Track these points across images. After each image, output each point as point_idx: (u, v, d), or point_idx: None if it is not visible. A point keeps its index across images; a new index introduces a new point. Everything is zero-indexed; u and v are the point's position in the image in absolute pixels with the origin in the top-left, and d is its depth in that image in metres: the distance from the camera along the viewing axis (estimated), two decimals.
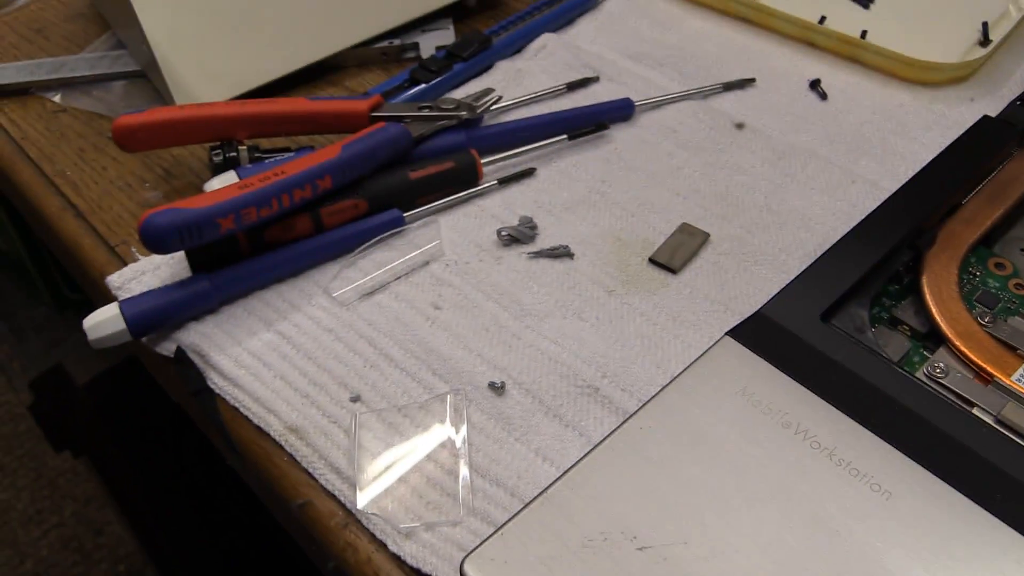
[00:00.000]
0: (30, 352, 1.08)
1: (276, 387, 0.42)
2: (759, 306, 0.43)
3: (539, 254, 0.48)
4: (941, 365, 0.41)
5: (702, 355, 0.41)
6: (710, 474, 0.36)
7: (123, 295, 0.47)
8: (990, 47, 0.59)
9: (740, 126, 0.56)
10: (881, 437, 0.36)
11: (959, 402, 0.39)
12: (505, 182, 0.52)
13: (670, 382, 0.40)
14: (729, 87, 0.59)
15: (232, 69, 0.58)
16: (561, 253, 0.48)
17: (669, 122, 0.56)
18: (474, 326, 0.45)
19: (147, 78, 0.61)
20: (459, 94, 0.59)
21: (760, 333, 0.41)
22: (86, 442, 0.87)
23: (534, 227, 0.49)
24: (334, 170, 0.47)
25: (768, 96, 0.58)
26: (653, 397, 0.39)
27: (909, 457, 0.36)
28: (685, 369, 0.40)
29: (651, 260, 0.47)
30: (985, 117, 0.53)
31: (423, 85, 0.58)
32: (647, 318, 0.45)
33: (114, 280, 0.48)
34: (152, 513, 0.81)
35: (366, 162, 0.48)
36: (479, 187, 0.52)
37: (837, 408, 0.37)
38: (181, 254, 0.48)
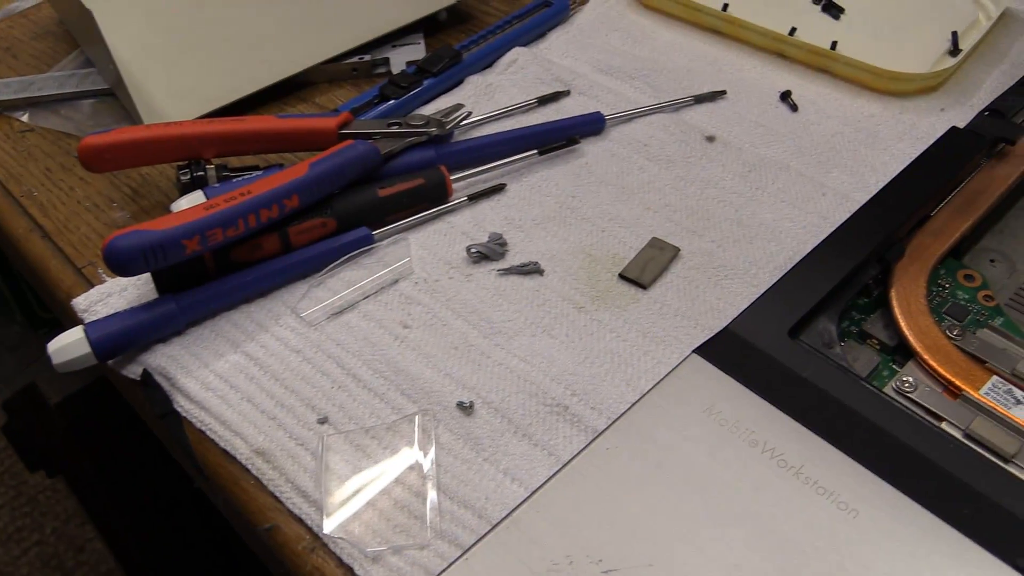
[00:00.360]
0: (3, 371, 1.07)
1: (243, 409, 0.42)
2: (730, 321, 0.43)
3: (509, 271, 0.48)
4: (910, 380, 0.41)
5: (670, 373, 0.41)
6: (677, 494, 0.36)
7: (89, 317, 0.47)
8: (960, 56, 0.59)
9: (711, 139, 0.56)
10: (849, 454, 0.36)
11: (928, 417, 0.39)
12: (475, 198, 0.52)
13: (638, 400, 0.40)
14: (700, 100, 0.59)
15: (200, 87, 0.57)
16: (531, 270, 0.48)
17: (640, 136, 0.56)
18: (443, 345, 0.44)
19: (115, 97, 0.61)
20: (429, 110, 0.59)
21: (727, 350, 0.41)
22: (60, 462, 0.86)
23: (504, 244, 0.49)
24: (301, 189, 0.47)
25: (739, 108, 0.58)
26: (621, 416, 0.39)
27: (876, 474, 0.36)
28: (653, 387, 0.40)
29: (621, 276, 0.47)
30: (953, 128, 0.53)
31: (393, 101, 0.58)
32: (617, 335, 0.44)
33: (80, 303, 0.48)
34: (127, 531, 0.81)
35: (334, 180, 0.48)
36: (449, 204, 0.51)
37: (805, 425, 0.37)
38: (147, 276, 0.47)
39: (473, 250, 0.48)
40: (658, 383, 0.40)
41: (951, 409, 0.39)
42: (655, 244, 0.48)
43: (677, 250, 0.48)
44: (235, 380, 0.43)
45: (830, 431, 0.37)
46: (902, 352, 0.43)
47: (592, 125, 0.56)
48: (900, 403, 0.39)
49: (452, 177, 0.52)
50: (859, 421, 0.38)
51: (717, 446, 0.37)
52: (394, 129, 0.52)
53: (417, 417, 0.41)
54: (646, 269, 0.47)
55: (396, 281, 0.48)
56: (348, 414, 0.42)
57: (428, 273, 0.48)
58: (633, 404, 0.40)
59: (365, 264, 0.48)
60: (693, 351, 0.42)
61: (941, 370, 0.41)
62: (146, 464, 0.77)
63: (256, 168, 0.54)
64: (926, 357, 0.41)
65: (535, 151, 0.54)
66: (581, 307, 0.46)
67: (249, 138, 0.52)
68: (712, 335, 0.43)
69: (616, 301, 0.46)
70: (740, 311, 0.44)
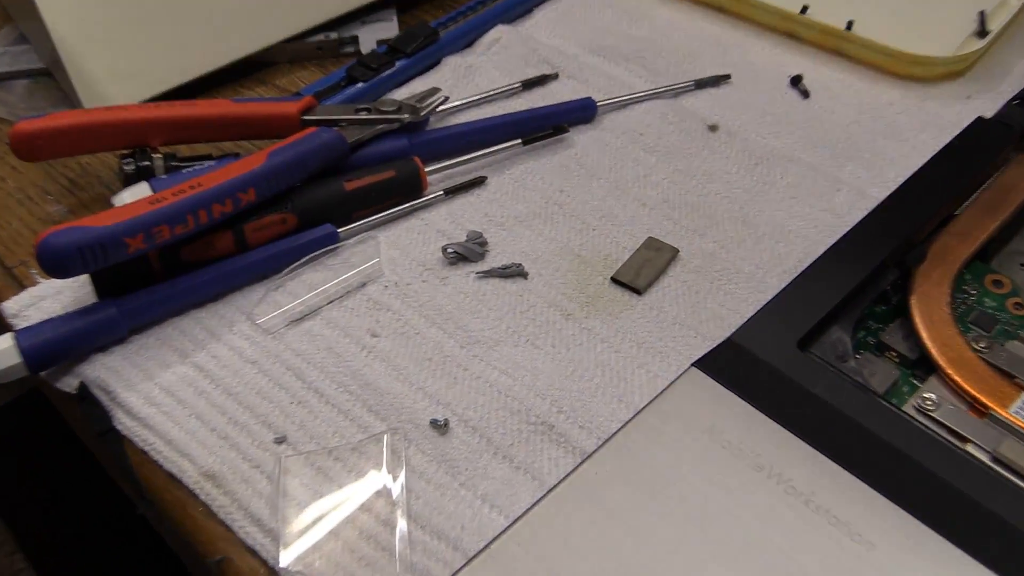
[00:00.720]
0: None
1: (191, 427, 0.42)
2: (733, 330, 0.43)
3: (489, 273, 0.47)
4: (932, 397, 0.41)
5: (667, 388, 0.40)
6: (674, 525, 0.35)
7: (20, 324, 0.46)
8: (988, 39, 0.59)
9: (714, 128, 0.56)
10: (863, 480, 0.36)
11: (951, 438, 0.39)
12: (452, 192, 0.52)
13: (632, 418, 0.40)
14: (702, 85, 0.59)
15: (147, 67, 0.57)
16: (514, 272, 0.47)
17: (635, 124, 0.56)
18: (415, 356, 0.44)
19: (52, 77, 0.61)
20: (402, 94, 0.58)
21: (731, 363, 0.41)
22: None
23: (484, 243, 0.49)
24: (259, 181, 0.46)
25: (745, 94, 0.58)
26: (613, 435, 0.39)
27: (894, 502, 0.35)
28: (649, 404, 0.40)
29: (614, 279, 0.47)
30: (980, 118, 0.53)
31: (361, 84, 0.57)
32: (609, 345, 0.44)
33: (10, 307, 0.47)
34: (61, 563, 0.80)
35: (296, 171, 0.48)
36: (423, 199, 0.51)
37: (815, 447, 0.37)
38: (85, 277, 0.47)
39: (450, 250, 0.48)
40: (654, 399, 0.40)
41: (977, 429, 0.39)
42: (651, 245, 0.48)
43: (676, 251, 0.48)
44: (183, 394, 0.43)
45: (843, 454, 0.37)
46: (923, 366, 0.43)
47: (582, 112, 0.56)
48: (921, 423, 0.39)
49: (427, 169, 0.52)
50: (875, 443, 0.38)
51: (719, 470, 0.37)
52: (362, 115, 0.52)
53: (386, 436, 0.41)
54: (641, 272, 0.47)
55: (364, 284, 0.47)
56: (309, 433, 0.41)
57: (399, 276, 0.48)
58: (626, 423, 0.39)
59: (329, 265, 0.48)
60: (693, 364, 0.42)
61: (966, 386, 0.41)
62: (83, 488, 0.76)
63: (208, 158, 0.53)
64: (950, 372, 0.41)
65: (519, 140, 0.54)
66: (569, 314, 0.46)
67: (202, 124, 0.51)
68: (714, 346, 0.43)
69: (608, 308, 0.46)
70: (745, 320, 0.44)
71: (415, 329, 0.45)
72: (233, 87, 0.61)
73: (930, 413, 0.40)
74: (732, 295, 0.46)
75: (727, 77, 0.59)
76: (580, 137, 0.55)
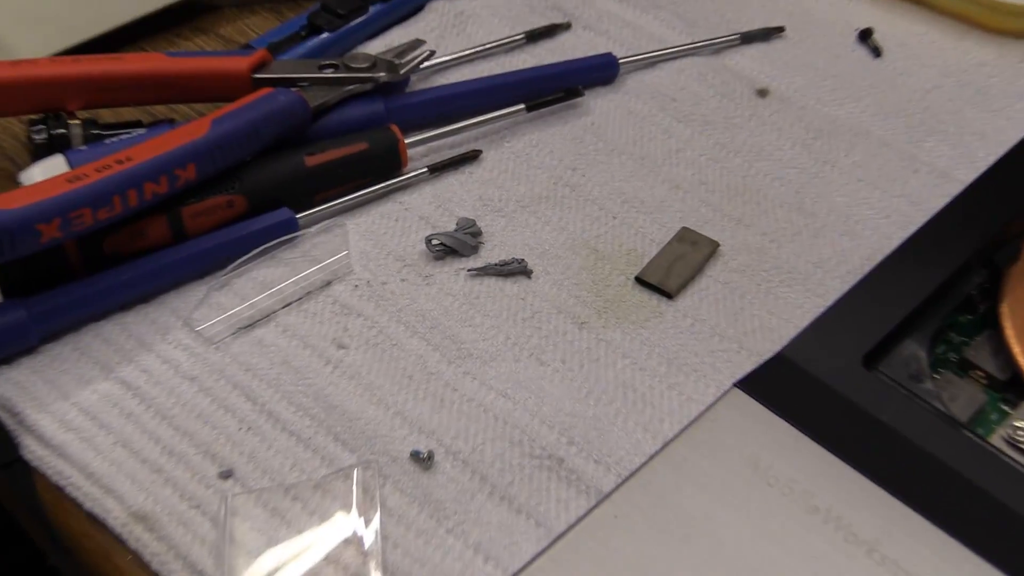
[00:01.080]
0: None
1: (117, 458, 0.42)
2: (785, 343, 0.44)
3: (484, 271, 0.49)
4: None
5: (703, 414, 0.41)
6: None
7: None
8: None
9: (763, 93, 0.57)
10: (941, 527, 0.37)
11: None
12: (439, 170, 0.53)
13: (660, 450, 0.41)
14: (749, 39, 0.60)
15: (61, 12, 0.57)
16: (514, 270, 0.48)
17: (666, 87, 0.57)
18: (392, 373, 0.45)
19: None
20: (377, 47, 0.59)
21: (781, 383, 0.42)
22: None
23: (478, 233, 0.50)
24: (200, 155, 0.47)
25: (802, 51, 0.59)
26: (636, 471, 0.40)
27: (977, 554, 0.36)
28: (680, 432, 0.41)
29: (639, 279, 0.48)
30: None
31: (326, 34, 0.58)
32: (632, 361, 0.45)
33: None
34: None
35: (245, 143, 0.49)
36: (402, 177, 0.52)
37: (882, 487, 0.38)
38: None
39: (435, 242, 0.49)
40: (687, 427, 0.41)
41: None
42: (685, 237, 0.49)
43: (716, 245, 0.49)
44: (106, 417, 0.44)
45: (917, 495, 0.38)
46: (1016, 388, 0.44)
47: (601, 71, 0.57)
48: (1011, 458, 0.40)
49: (408, 140, 0.52)
50: (956, 481, 0.39)
51: (765, 513, 0.38)
52: (328, 73, 0.53)
53: (356, 471, 0.41)
54: (672, 271, 0.48)
55: (329, 283, 0.49)
56: (261, 466, 0.42)
57: (373, 273, 0.49)
58: (652, 456, 0.40)
59: (286, 259, 0.49)
60: (735, 384, 0.43)
61: None
62: None
63: (139, 125, 0.54)
64: None
65: (522, 106, 0.55)
66: (583, 323, 0.47)
67: (128, 83, 0.52)
68: (760, 363, 0.44)
69: (631, 315, 0.47)
70: (799, 330, 0.45)
71: (392, 339, 0.46)
72: (168, 37, 0.61)
73: (1023, 446, 0.41)
74: (784, 300, 0.47)
75: (780, 30, 0.60)
76: (598, 102, 0.56)
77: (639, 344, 0.46)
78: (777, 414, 0.41)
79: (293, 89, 0.51)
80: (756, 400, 0.41)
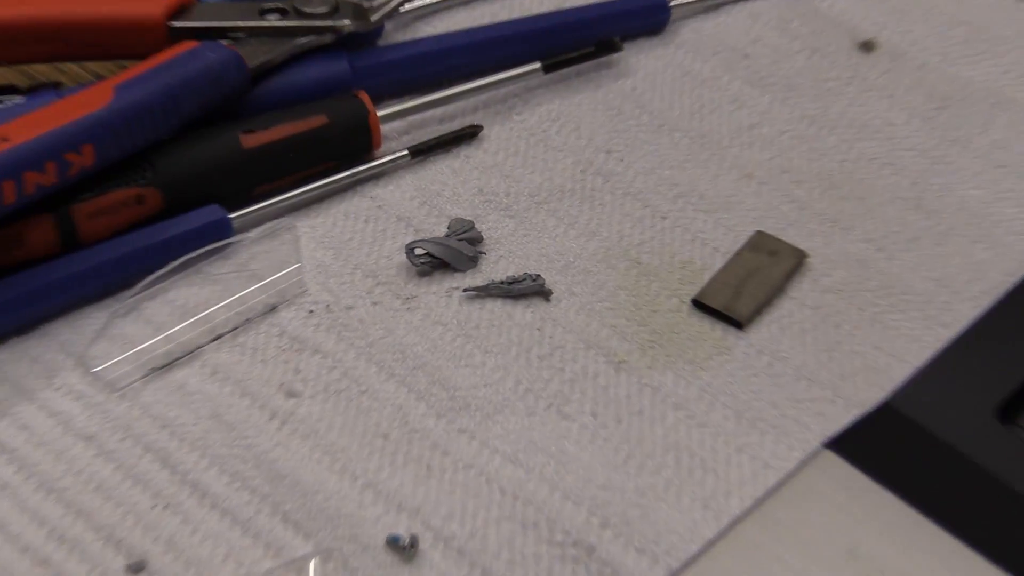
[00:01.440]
0: None
1: None
2: (893, 389, 0.44)
3: (486, 291, 0.48)
4: None
5: (783, 483, 0.41)
6: None
7: None
8: None
9: (868, 47, 0.56)
10: None
11: None
12: (424, 153, 0.52)
13: (724, 533, 0.40)
14: None
15: None
16: (528, 290, 0.48)
17: (734, 38, 0.57)
18: (361, 430, 0.44)
19: None
20: None
21: (888, 443, 0.42)
22: None
23: (477, 240, 0.49)
24: (101, 134, 0.47)
25: None
26: (692, 562, 0.39)
27: None
28: (752, 509, 0.41)
29: (697, 303, 0.48)
30: None
31: None
32: (688, 414, 0.44)
33: None
34: None
35: (161, 117, 0.48)
36: (375, 163, 0.52)
37: None
38: None
39: (420, 252, 0.49)
40: (760, 503, 0.41)
41: None
42: (761, 245, 0.49)
43: (802, 256, 0.49)
44: None
45: None
46: None
47: (646, 17, 0.57)
48: None
49: (381, 113, 0.52)
50: None
51: None
52: (272, 20, 0.53)
53: (312, 564, 0.40)
54: (743, 291, 0.47)
55: (274, 308, 0.48)
56: (183, 556, 0.41)
57: (334, 294, 0.48)
58: (714, 540, 0.40)
59: (216, 275, 0.48)
60: (826, 444, 0.42)
61: None
62: None
63: (13, 91, 0.53)
64: None
65: (538, 65, 0.54)
66: (621, 362, 0.46)
67: (4, 34, 0.52)
68: (861, 416, 0.43)
69: (687, 351, 0.46)
70: (914, 371, 0.44)
71: (361, 385, 0.46)
72: None
73: None
74: (895, 331, 0.47)
75: None
76: (642, 60, 0.56)
77: (697, 391, 0.45)
78: (883, 484, 0.40)
79: (224, 43, 0.51)
80: (854, 466, 0.41)
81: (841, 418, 0.44)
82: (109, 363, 0.46)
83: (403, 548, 0.41)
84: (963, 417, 0.42)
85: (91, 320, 0.48)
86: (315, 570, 0.40)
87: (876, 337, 0.46)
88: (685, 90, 0.55)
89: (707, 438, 0.44)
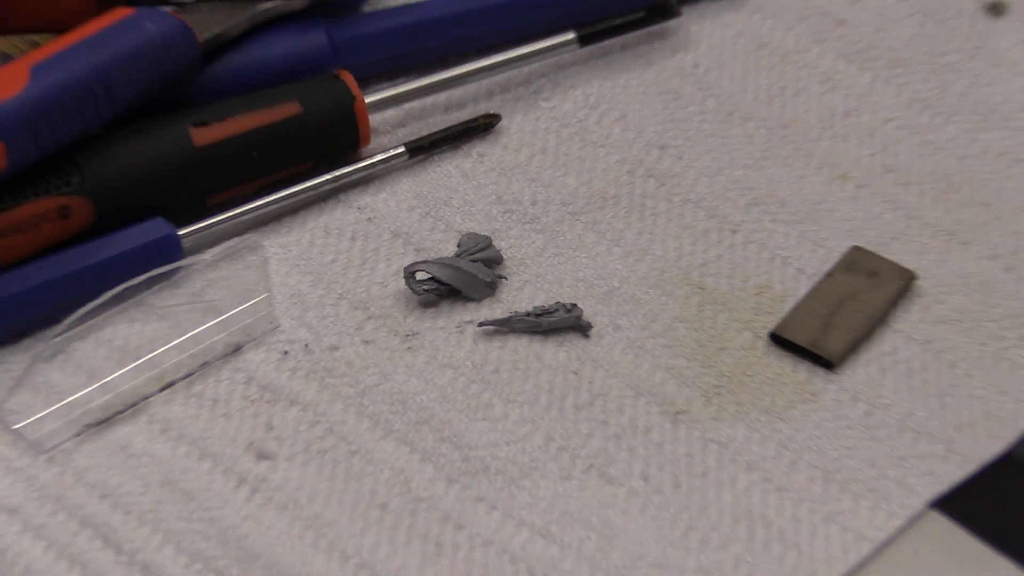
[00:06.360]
0: None
1: None
2: (1016, 439, 0.50)
3: (508, 325, 0.55)
4: None
5: (880, 553, 0.48)
6: None
7: None
8: None
9: (998, 9, 0.63)
10: None
11: None
12: (426, 150, 0.59)
13: None
14: None
15: None
16: (561, 323, 0.55)
17: (826, 0, 0.64)
18: (352, 498, 0.51)
19: None
20: None
21: (1011, 504, 0.48)
22: None
23: (495, 261, 0.56)
24: (13, 128, 0.53)
25: None
26: None
27: None
28: None
29: (776, 337, 0.54)
30: None
31: None
32: (763, 475, 0.51)
33: None
34: None
35: (90, 106, 0.55)
36: (363, 163, 0.59)
37: None
38: None
39: (423, 276, 0.55)
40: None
41: None
42: (857, 263, 0.56)
43: (911, 278, 0.55)
44: None
45: None
46: None
47: None
48: None
49: (370, 99, 0.59)
50: None
51: None
52: None
53: None
54: (835, 323, 0.54)
55: (239, 349, 0.55)
56: None
57: (314, 331, 0.55)
58: None
59: (164, 308, 0.55)
60: (933, 505, 0.49)
61: None
62: None
63: None
64: None
65: (571, 35, 0.61)
66: (680, 411, 0.53)
67: None
68: (975, 471, 0.50)
69: (763, 398, 0.53)
70: None
71: (350, 443, 0.52)
72: None
73: None
74: (1022, 367, 0.53)
75: None
76: (705, 28, 0.63)
77: (776, 447, 0.52)
78: (1003, 553, 0.46)
79: (166, 9, 0.57)
80: (969, 531, 0.47)
81: (954, 474, 0.49)
82: (32, 419, 0.52)
83: None
84: None
85: (7, 365, 0.53)
86: None
87: (1001, 378, 0.52)
88: (762, 67, 0.61)
89: (788, 505, 0.50)
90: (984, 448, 0.51)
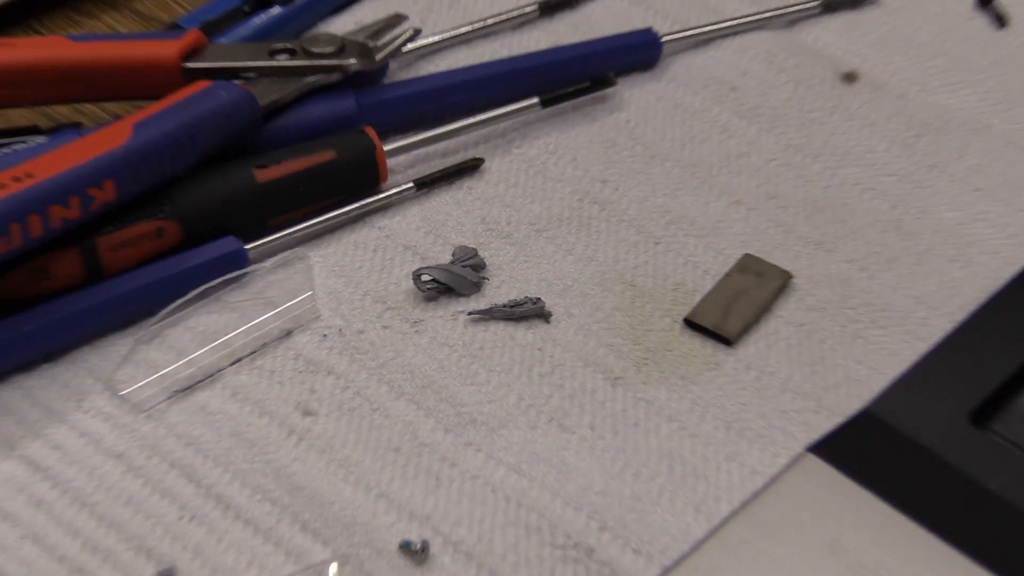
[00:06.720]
0: None
1: (26, 557, 0.46)
2: (873, 398, 0.48)
3: (490, 314, 0.53)
4: None
5: (769, 486, 0.46)
6: None
7: None
8: None
9: (851, 78, 0.61)
10: None
11: None
12: (429, 185, 0.57)
13: (714, 533, 0.45)
14: (832, 7, 0.64)
15: None
16: (529, 312, 0.53)
17: (724, 72, 0.62)
18: (374, 444, 0.49)
19: None
20: (345, 25, 0.64)
21: (868, 447, 0.46)
22: None
23: (480, 267, 0.54)
24: (121, 170, 0.51)
25: (901, 23, 0.64)
26: (685, 560, 0.44)
27: None
28: (740, 511, 0.46)
29: (689, 322, 0.53)
30: None
31: (278, 8, 0.63)
32: (680, 425, 0.49)
33: None
34: None
35: (178, 154, 0.53)
36: (382, 195, 0.56)
37: (993, 573, 0.42)
38: None
39: (426, 278, 0.53)
40: (748, 505, 0.46)
41: None
42: (749, 267, 0.54)
43: (788, 277, 0.54)
44: (11, 506, 0.47)
45: None
46: None
47: (638, 53, 0.62)
48: None
49: (387, 147, 0.57)
50: None
51: None
52: (282, 61, 0.57)
53: (331, 569, 0.45)
54: (732, 311, 0.52)
55: (290, 333, 0.53)
56: (209, 564, 0.46)
57: (346, 319, 0.53)
58: (703, 540, 0.45)
59: (234, 303, 0.53)
60: (809, 449, 0.47)
61: None
62: None
63: (36, 131, 0.57)
64: None
65: (536, 100, 0.59)
66: (617, 378, 0.51)
67: (21, 77, 0.56)
68: (843, 422, 0.48)
69: (679, 367, 0.51)
70: (892, 382, 0.49)
71: (373, 403, 0.50)
72: (68, 15, 0.66)
73: None
74: (875, 345, 0.52)
75: None
76: (635, 94, 0.61)
77: (689, 404, 0.50)
78: (862, 485, 0.45)
79: (236, 82, 0.55)
80: (836, 469, 0.46)
81: (824, 425, 0.48)
82: (135, 386, 0.50)
83: (415, 553, 0.45)
84: (939, 422, 0.46)
85: (117, 347, 0.52)
86: (334, 574, 0.44)
87: (857, 351, 0.51)
88: (676, 122, 0.60)
89: (698, 447, 0.48)
90: (846, 404, 0.50)
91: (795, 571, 0.44)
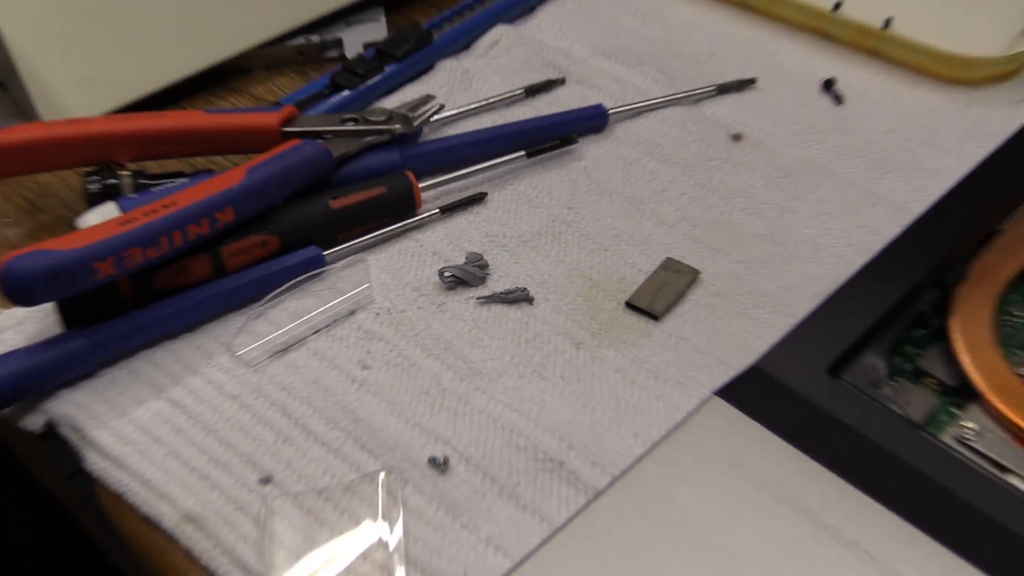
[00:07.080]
0: None
1: (169, 467, 0.44)
2: (759, 357, 0.47)
3: (491, 299, 0.51)
4: (972, 426, 0.44)
5: (686, 419, 0.44)
6: (693, 563, 0.38)
7: None
8: None
9: (738, 138, 0.59)
10: (897, 513, 0.39)
11: (992, 469, 0.42)
12: (449, 211, 0.55)
13: (647, 452, 0.43)
14: (725, 90, 0.62)
15: (111, 75, 0.59)
16: (518, 298, 0.51)
17: (651, 134, 0.59)
18: (411, 389, 0.47)
19: (6, 87, 0.62)
20: (392, 102, 0.62)
21: (755, 392, 0.44)
22: None
23: (485, 266, 0.52)
24: (237, 200, 0.49)
25: (772, 100, 0.62)
26: (627, 471, 0.42)
27: (930, 536, 0.39)
28: (666, 436, 0.44)
29: (628, 304, 0.50)
30: None
31: (347, 92, 0.61)
32: (623, 375, 0.47)
33: None
34: None
35: (277, 189, 0.51)
36: (417, 217, 0.54)
37: (846, 479, 0.40)
38: (50, 306, 0.49)
39: (447, 274, 0.51)
40: (672, 432, 0.44)
41: (1021, 459, 0.42)
42: (669, 266, 0.52)
43: (696, 273, 0.51)
44: (158, 432, 0.46)
45: (876, 486, 0.40)
46: (964, 394, 0.46)
47: (592, 121, 0.59)
48: (961, 453, 0.42)
49: (421, 185, 0.55)
50: (911, 475, 0.41)
51: (741, 505, 0.40)
52: (349, 126, 0.55)
53: (381, 476, 0.43)
54: (658, 296, 0.50)
55: (353, 312, 0.51)
56: (297, 472, 0.44)
57: (392, 302, 0.51)
58: (641, 457, 0.43)
59: (315, 291, 0.51)
60: (714, 393, 0.45)
61: (1010, 414, 0.44)
62: (46, 538, 0.78)
63: (181, 175, 0.56)
64: (992, 399, 0.44)
65: (522, 153, 0.57)
66: (579, 343, 0.49)
67: (173, 138, 0.54)
68: (737, 374, 0.46)
69: (622, 335, 0.49)
70: (771, 345, 0.47)
71: (410, 360, 0.48)
72: (205, 97, 0.64)
73: (970, 443, 0.43)
74: (758, 320, 0.49)
75: (752, 81, 0.63)
76: (590, 148, 0.59)
77: (629, 361, 0.48)
78: (752, 419, 0.43)
79: (318, 141, 0.54)
80: (734, 407, 0.44)
81: (724, 376, 0.46)
82: (246, 349, 0.49)
83: (439, 465, 0.44)
84: (804, 374, 0.45)
85: (234, 322, 0.50)
86: (382, 480, 0.43)
87: (746, 324, 0.49)
88: (619, 167, 0.58)
89: (636, 391, 0.46)
90: (740, 361, 0.47)
91: (705, 480, 0.42)
